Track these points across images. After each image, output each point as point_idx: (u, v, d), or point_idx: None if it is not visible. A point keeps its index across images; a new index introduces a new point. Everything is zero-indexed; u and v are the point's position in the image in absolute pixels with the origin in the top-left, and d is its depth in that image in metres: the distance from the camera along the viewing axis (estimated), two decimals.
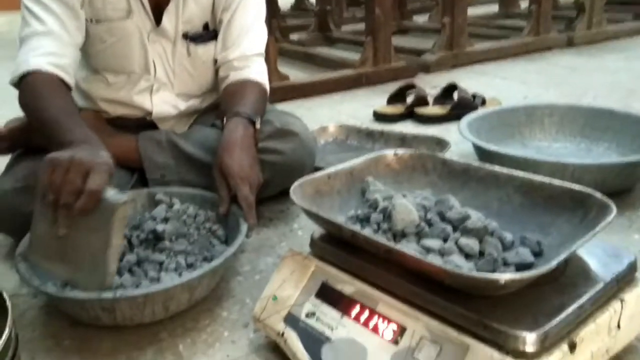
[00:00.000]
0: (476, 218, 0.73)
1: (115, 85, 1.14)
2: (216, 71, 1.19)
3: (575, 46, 2.78)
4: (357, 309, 0.69)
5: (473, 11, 3.69)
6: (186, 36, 1.12)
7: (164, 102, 1.16)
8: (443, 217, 0.75)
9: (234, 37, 1.14)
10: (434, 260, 0.64)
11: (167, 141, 1.10)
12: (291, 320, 0.73)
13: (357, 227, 0.74)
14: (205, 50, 1.15)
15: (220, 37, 1.15)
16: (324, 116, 1.83)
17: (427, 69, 2.40)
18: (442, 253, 0.69)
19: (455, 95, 1.79)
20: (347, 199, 0.85)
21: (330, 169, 0.86)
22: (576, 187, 0.74)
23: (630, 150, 1.24)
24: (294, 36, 3.27)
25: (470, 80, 2.20)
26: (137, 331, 0.82)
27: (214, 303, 0.88)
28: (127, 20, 1.07)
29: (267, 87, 1.19)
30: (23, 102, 0.96)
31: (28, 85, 0.96)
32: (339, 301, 0.70)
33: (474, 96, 1.78)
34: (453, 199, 0.79)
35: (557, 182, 0.76)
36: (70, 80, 1.01)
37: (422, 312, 0.64)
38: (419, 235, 0.73)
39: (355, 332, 0.67)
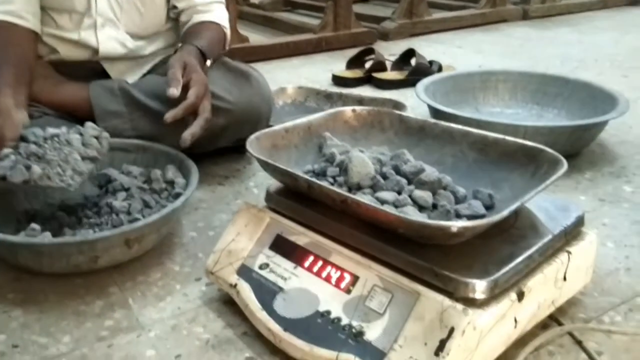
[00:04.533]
0: (430, 171, 0.72)
1: (62, 24, 1.07)
2: (174, 18, 1.16)
3: (529, 19, 2.81)
4: (310, 259, 0.67)
5: None
6: None
7: (110, 38, 1.10)
8: (398, 171, 0.74)
9: None
10: (388, 209, 0.63)
11: (120, 89, 1.05)
12: (244, 272, 0.71)
13: (313, 178, 0.72)
14: None
15: None
16: (283, 79, 1.79)
17: (386, 36, 2.37)
18: (396, 205, 0.68)
19: (413, 61, 1.78)
20: (304, 154, 0.82)
21: (288, 123, 0.83)
22: (529, 143, 0.74)
23: (579, 117, 1.26)
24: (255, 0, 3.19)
25: (428, 48, 2.19)
26: (85, 285, 0.78)
27: (166, 257, 0.85)
28: None
29: (228, 32, 1.17)
30: None
31: None
32: (293, 252, 0.69)
33: (430, 63, 1.77)
34: (408, 154, 0.78)
35: (510, 138, 0.76)
36: (25, 23, 0.97)
37: (375, 262, 0.63)
38: (374, 188, 0.72)
39: (308, 282, 0.66)
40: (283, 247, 0.70)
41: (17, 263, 0.79)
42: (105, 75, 1.13)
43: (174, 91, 0.91)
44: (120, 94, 1.05)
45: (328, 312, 0.63)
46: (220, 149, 1.14)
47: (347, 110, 0.89)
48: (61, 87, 1.07)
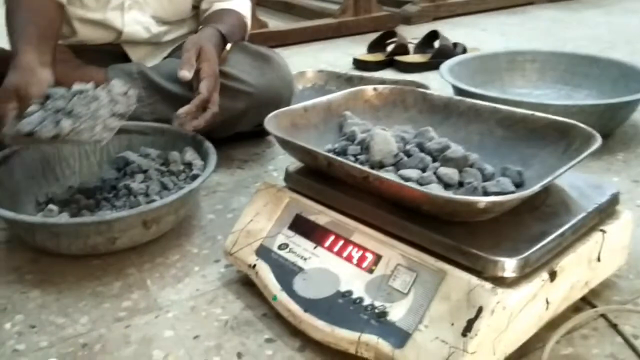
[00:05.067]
0: (456, 148, 0.69)
1: (87, 3, 1.06)
2: (195, 6, 1.14)
3: (556, 1, 2.73)
4: (331, 239, 0.65)
5: None
6: None
7: (135, 21, 1.09)
8: (422, 148, 0.71)
9: None
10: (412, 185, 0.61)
11: (138, 72, 1.04)
12: (263, 252, 0.69)
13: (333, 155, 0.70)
14: None
15: None
16: (302, 63, 1.76)
17: (408, 20, 2.33)
18: (420, 183, 0.65)
19: (437, 44, 1.74)
20: (323, 133, 0.80)
21: (307, 102, 0.81)
22: (560, 118, 0.71)
23: (610, 97, 1.21)
24: None
25: (452, 31, 2.13)
26: (103, 266, 0.78)
27: (185, 239, 0.84)
28: None
29: (249, 21, 1.15)
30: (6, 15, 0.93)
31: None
32: (313, 232, 0.67)
33: (455, 45, 1.73)
34: (433, 131, 0.75)
35: (540, 114, 0.73)
36: None
37: (398, 241, 0.61)
38: (397, 166, 0.69)
39: (329, 261, 0.64)
40: (303, 226, 0.68)
41: (35, 244, 0.78)
42: (123, 60, 1.12)
43: (186, 74, 0.91)
44: (139, 77, 1.04)
45: (349, 292, 0.61)
46: (240, 134, 1.13)
47: (369, 88, 0.86)
48: (79, 70, 1.06)
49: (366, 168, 0.61)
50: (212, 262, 0.78)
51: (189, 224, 0.88)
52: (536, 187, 0.55)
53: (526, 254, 0.55)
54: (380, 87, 0.87)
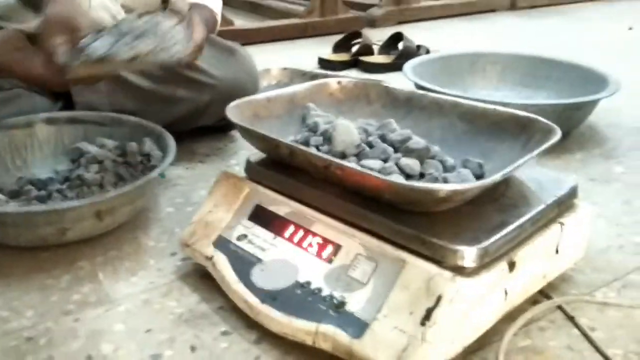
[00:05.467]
0: (418, 139, 0.69)
1: None
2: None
3: (517, 9, 2.79)
4: (290, 229, 0.64)
5: None
6: None
7: (103, 6, 1.05)
8: (384, 140, 0.70)
9: None
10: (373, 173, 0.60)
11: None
12: (221, 243, 0.67)
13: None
14: None
15: None
16: (268, 61, 1.74)
17: (373, 23, 2.34)
18: (382, 173, 0.64)
19: (401, 46, 1.75)
20: (286, 125, 0.78)
21: (270, 92, 0.79)
22: (520, 112, 0.71)
23: (569, 99, 1.23)
24: None
25: (416, 34, 2.14)
26: (53, 258, 0.74)
27: (141, 232, 0.81)
28: None
29: (219, 18, 1.13)
30: None
31: None
32: (273, 222, 0.65)
33: (418, 47, 1.74)
34: (395, 124, 0.74)
35: (501, 108, 0.74)
36: None
37: (358, 230, 0.60)
38: (359, 157, 0.68)
39: (288, 252, 0.62)
40: (262, 217, 0.66)
41: None
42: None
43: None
44: None
45: (308, 283, 0.59)
46: (202, 128, 1.11)
47: (333, 82, 0.85)
48: (35, 58, 1.02)
49: (328, 157, 0.60)
50: (169, 255, 0.76)
51: (146, 216, 0.85)
52: (497, 176, 0.55)
53: (486, 243, 0.55)
54: (344, 80, 0.86)
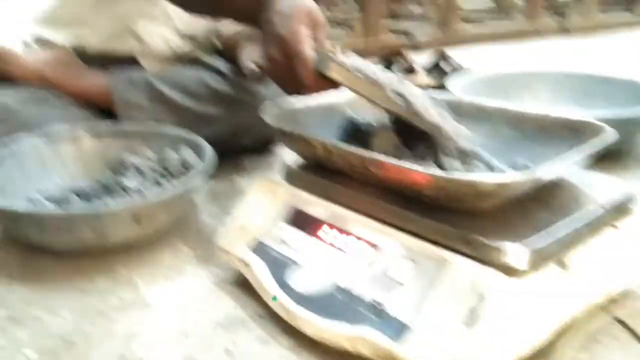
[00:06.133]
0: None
1: (121, 4, 1.05)
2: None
3: (568, 33, 2.76)
4: (328, 231, 0.63)
5: (468, 4, 3.67)
6: None
7: (160, 36, 1.09)
8: None
9: None
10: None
11: (142, 80, 1.04)
12: (258, 248, 0.67)
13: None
14: None
15: None
16: None
17: (416, 47, 2.35)
18: None
19: (446, 67, 1.75)
20: (325, 132, 0.79)
21: (309, 100, 0.80)
22: (572, 116, 0.69)
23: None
24: None
25: (462, 59, 2.15)
26: (92, 264, 0.76)
27: (179, 240, 0.82)
28: None
29: None
30: None
31: None
32: (310, 225, 0.65)
33: (465, 69, 1.73)
34: None
35: (550, 112, 0.72)
36: None
37: (398, 230, 0.59)
38: (399, 158, 0.68)
39: (326, 255, 0.62)
40: (299, 220, 0.66)
41: (24, 239, 0.77)
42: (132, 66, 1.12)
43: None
44: (143, 86, 1.04)
45: (347, 286, 0.58)
46: (245, 146, 1.12)
47: None
48: (83, 75, 1.07)
49: (365, 152, 0.60)
50: (206, 263, 0.76)
51: (185, 225, 0.86)
52: (544, 168, 0.53)
53: (534, 241, 0.53)
54: None
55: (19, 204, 0.75)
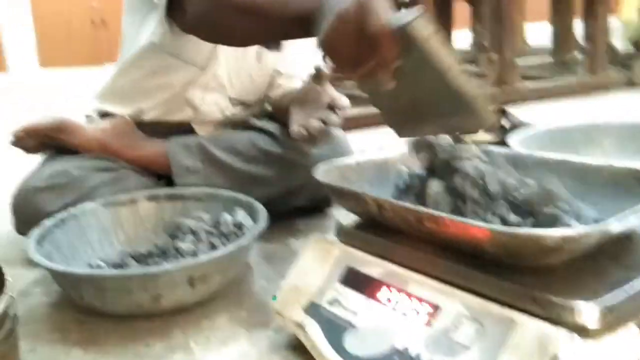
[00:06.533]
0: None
1: (178, 71, 1.10)
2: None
3: (635, 86, 2.68)
4: (384, 291, 0.62)
5: (525, 61, 3.66)
6: None
7: (214, 103, 1.14)
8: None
9: (300, 50, 1.15)
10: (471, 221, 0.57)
11: (196, 145, 1.08)
12: (312, 309, 0.66)
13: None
14: (273, 58, 1.16)
15: (285, 49, 1.16)
16: (367, 147, 1.79)
17: None
18: None
19: (505, 123, 1.72)
20: (377, 188, 0.78)
21: (361, 157, 0.81)
22: (638, 166, 0.66)
23: None
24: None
25: (523, 114, 2.12)
26: (148, 327, 0.76)
27: (233, 303, 0.82)
28: None
29: None
30: None
31: None
32: (365, 285, 0.64)
33: (525, 124, 1.70)
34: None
35: (616, 163, 0.69)
36: None
37: (459, 290, 0.56)
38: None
39: (383, 316, 0.60)
40: (354, 280, 0.65)
41: (82, 302, 0.79)
42: (186, 132, 1.17)
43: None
44: (196, 150, 1.08)
45: (406, 349, 0.56)
46: (298, 207, 1.13)
47: None
48: (141, 142, 1.12)
49: (420, 207, 0.59)
50: (261, 326, 0.75)
51: (239, 288, 0.86)
52: (614, 221, 0.50)
53: (610, 300, 0.49)
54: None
55: (78, 267, 0.77)
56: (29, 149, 1.10)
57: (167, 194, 0.99)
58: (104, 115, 1.15)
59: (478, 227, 0.53)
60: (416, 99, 0.67)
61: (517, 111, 2.18)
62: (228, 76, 1.13)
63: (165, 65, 1.09)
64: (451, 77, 0.62)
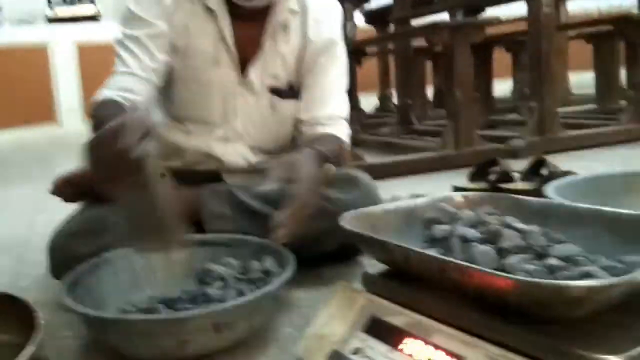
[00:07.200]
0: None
1: (193, 133, 1.18)
2: (295, 130, 1.23)
3: None
4: (408, 341, 0.62)
5: (569, 110, 3.65)
6: (272, 90, 1.18)
7: (237, 153, 1.19)
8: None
9: (320, 96, 1.19)
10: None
11: (226, 191, 1.11)
12: (336, 358, 0.66)
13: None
14: (289, 106, 1.20)
15: (304, 97, 1.20)
16: (399, 193, 1.80)
17: (515, 154, 2.33)
18: None
19: (544, 171, 1.71)
20: (405, 237, 0.79)
21: (388, 205, 0.82)
22: None
23: None
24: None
25: (564, 163, 2.10)
26: None
27: (259, 351, 0.83)
28: (214, 70, 1.14)
29: (348, 147, 1.22)
30: (91, 123, 0.99)
31: (96, 107, 1.02)
32: (389, 335, 0.64)
33: (565, 172, 1.69)
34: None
35: None
36: None
37: (485, 342, 0.56)
38: None
39: None
40: (378, 329, 0.66)
41: (109, 345, 0.81)
42: (219, 180, 1.21)
43: (267, 188, 0.91)
44: (225, 196, 1.12)
45: None
46: (328, 254, 1.14)
47: (457, 195, 0.86)
48: (174, 190, 1.16)
49: (445, 257, 0.60)
50: None
51: (265, 336, 0.87)
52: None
53: (634, 355, 0.49)
54: (470, 193, 0.86)
55: (107, 312, 0.80)
56: (67, 198, 1.16)
57: (197, 240, 1.02)
58: None
59: (501, 277, 0.53)
60: (137, 218, 0.78)
61: (558, 160, 2.17)
62: (244, 126, 1.18)
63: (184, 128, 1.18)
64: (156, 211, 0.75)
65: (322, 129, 1.19)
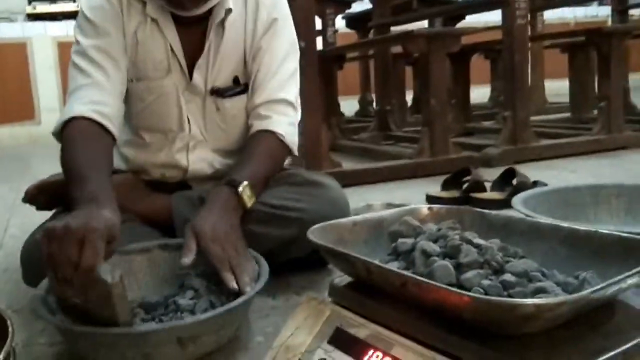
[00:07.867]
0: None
1: (154, 145, 1.19)
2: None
3: None
4: (371, 353, 0.64)
5: (543, 118, 3.72)
6: (213, 91, 1.16)
7: (200, 159, 1.20)
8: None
9: (259, 81, 1.16)
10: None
11: (199, 198, 1.12)
12: None
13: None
14: (234, 104, 1.17)
15: (250, 86, 1.18)
16: (374, 200, 1.82)
17: (488, 162, 2.37)
18: None
19: (515, 182, 1.75)
20: (373, 250, 0.81)
21: (357, 217, 0.84)
22: (628, 235, 0.69)
23: None
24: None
25: (534, 173, 2.14)
26: None
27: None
28: (166, 78, 1.14)
29: (291, 140, 1.17)
30: (61, 152, 1.00)
31: (68, 134, 1.01)
32: (353, 346, 0.66)
33: (534, 182, 1.73)
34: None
35: (605, 231, 0.72)
36: (113, 128, 1.05)
37: (441, 355, 0.58)
38: None
39: None
40: (342, 340, 0.67)
41: (80, 355, 0.82)
42: (190, 188, 1.22)
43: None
44: (198, 203, 1.12)
45: None
46: (299, 262, 1.16)
47: (423, 208, 0.88)
48: (147, 197, 1.17)
49: (405, 272, 0.62)
50: None
51: (235, 345, 0.88)
52: (589, 292, 0.53)
53: None
54: (435, 206, 0.88)
55: (71, 324, 0.80)
56: (40, 206, 1.15)
57: (178, 244, 1.00)
58: (113, 172, 1.20)
59: (456, 294, 0.55)
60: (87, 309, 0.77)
61: (530, 169, 2.21)
62: (200, 131, 1.18)
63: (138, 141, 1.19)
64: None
65: (258, 124, 1.15)
